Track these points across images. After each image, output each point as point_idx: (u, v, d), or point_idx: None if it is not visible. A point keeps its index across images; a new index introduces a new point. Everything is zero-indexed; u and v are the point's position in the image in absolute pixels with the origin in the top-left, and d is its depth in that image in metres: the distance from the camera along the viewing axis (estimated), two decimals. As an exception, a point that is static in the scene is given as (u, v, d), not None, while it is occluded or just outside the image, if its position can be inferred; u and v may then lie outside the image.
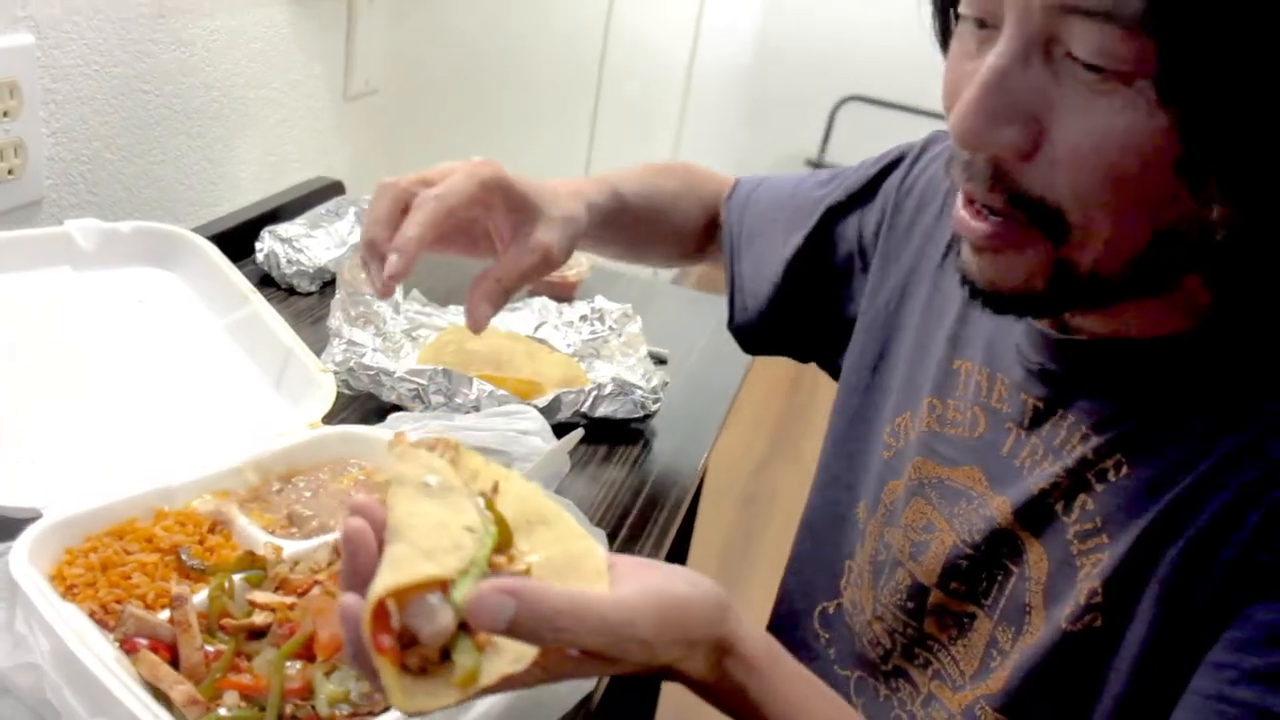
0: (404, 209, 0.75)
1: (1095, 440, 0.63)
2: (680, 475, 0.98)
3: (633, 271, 1.37)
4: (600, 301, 1.14)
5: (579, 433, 0.87)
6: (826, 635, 0.84)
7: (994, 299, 0.60)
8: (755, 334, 0.98)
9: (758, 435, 3.18)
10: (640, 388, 1.00)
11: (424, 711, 0.48)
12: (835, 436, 0.86)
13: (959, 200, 0.60)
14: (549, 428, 0.90)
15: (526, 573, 0.52)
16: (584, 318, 1.13)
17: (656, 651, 0.53)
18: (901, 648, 0.76)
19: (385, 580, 0.47)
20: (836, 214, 0.90)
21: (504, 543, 0.54)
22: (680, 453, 1.01)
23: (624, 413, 0.99)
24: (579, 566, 0.54)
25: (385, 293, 0.74)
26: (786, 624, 0.87)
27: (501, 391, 0.95)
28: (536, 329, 1.12)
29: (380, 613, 0.48)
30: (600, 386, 0.98)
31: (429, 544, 0.50)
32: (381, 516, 0.51)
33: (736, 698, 0.58)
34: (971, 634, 0.71)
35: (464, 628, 0.49)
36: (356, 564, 0.50)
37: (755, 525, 2.76)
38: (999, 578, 0.69)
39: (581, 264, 1.26)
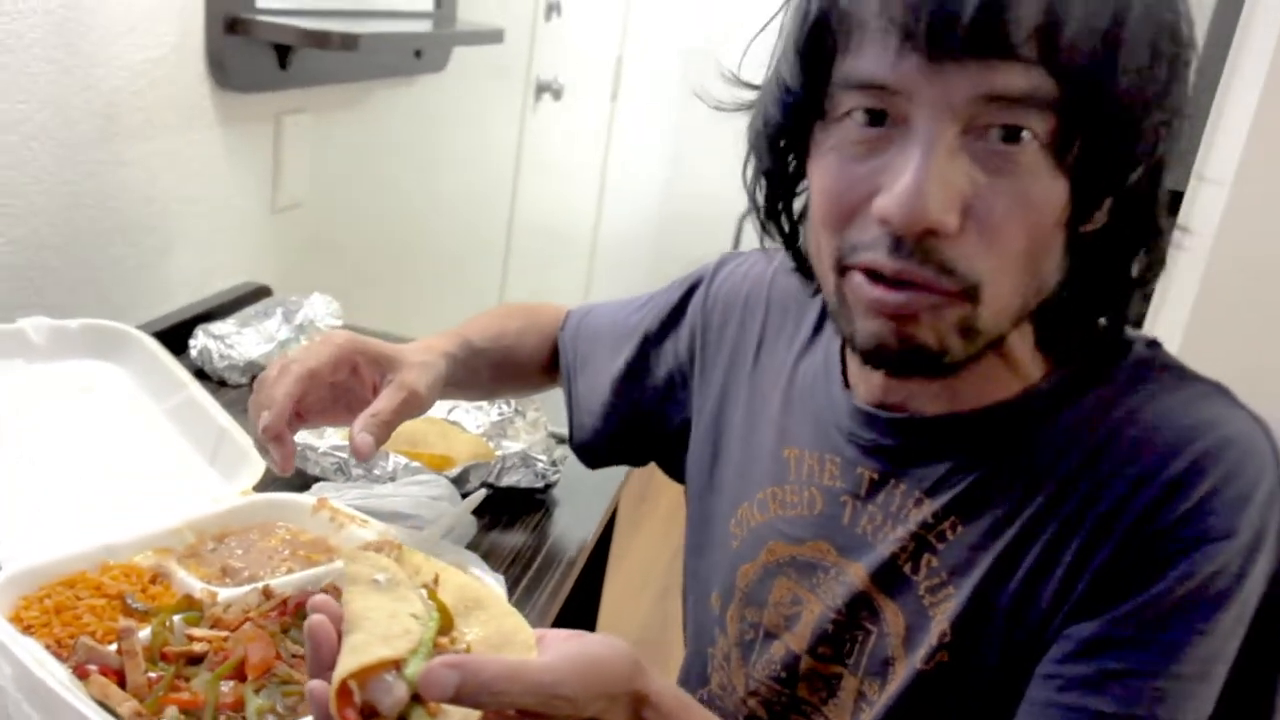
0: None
1: (930, 505, 0.71)
2: (575, 539, 1.09)
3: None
4: (506, 387, 1.26)
5: (482, 492, 0.98)
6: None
7: (903, 360, 0.64)
8: (594, 450, 1.05)
9: (673, 527, 3.28)
10: (541, 460, 1.12)
11: None
12: (690, 534, 0.93)
13: (858, 279, 0.63)
14: (458, 494, 1.02)
15: (467, 650, 0.62)
16: (492, 402, 1.25)
17: (581, 706, 0.60)
18: (776, 717, 0.82)
19: (347, 663, 0.57)
20: (652, 338, 0.97)
21: (446, 626, 0.63)
22: (576, 520, 1.13)
23: (526, 482, 1.11)
24: (511, 640, 0.64)
25: (285, 468, 0.84)
26: None
27: (416, 464, 1.07)
28: (449, 412, 1.24)
29: (344, 692, 0.57)
30: (505, 459, 1.10)
31: (382, 631, 0.59)
32: (338, 612, 0.60)
33: None
34: (841, 693, 0.77)
35: (416, 699, 0.59)
36: (320, 654, 0.58)
37: (671, 615, 2.85)
38: (859, 638, 0.75)
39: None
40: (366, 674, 0.57)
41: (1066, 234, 0.62)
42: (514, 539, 1.06)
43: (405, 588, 0.64)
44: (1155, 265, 0.67)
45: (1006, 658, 0.68)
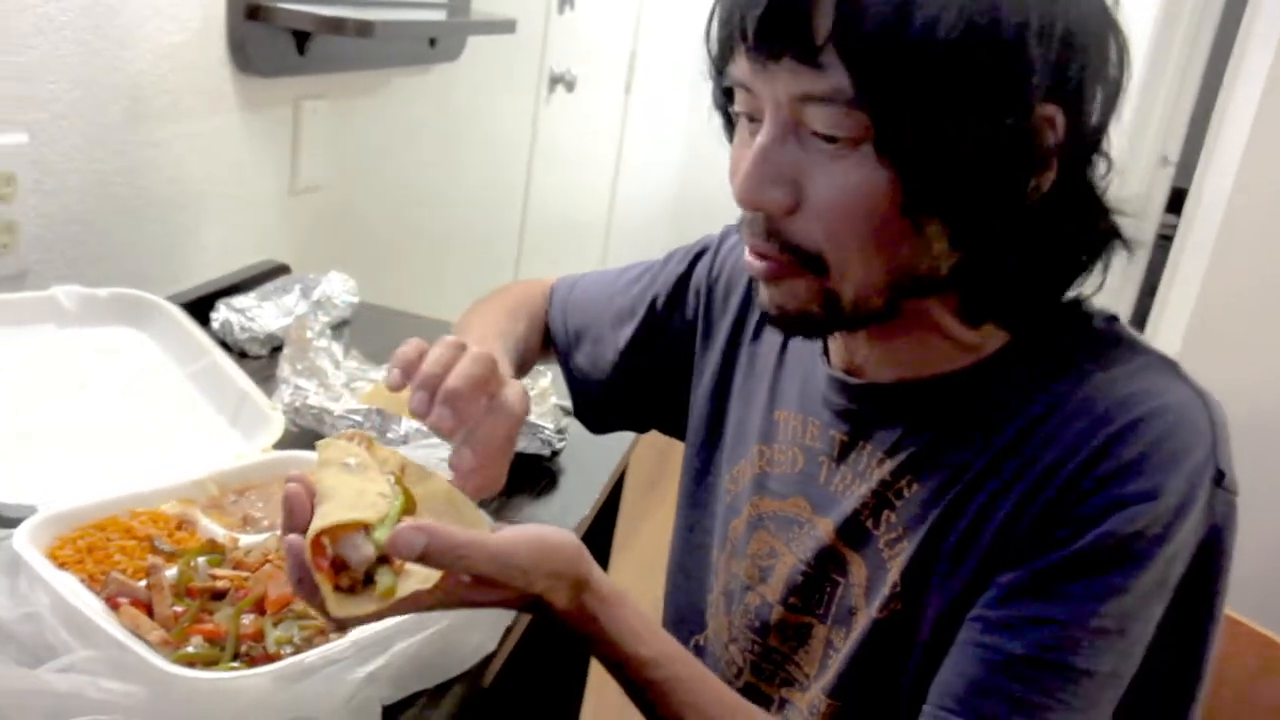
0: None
1: (889, 464, 0.77)
2: (579, 504, 1.14)
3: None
4: (514, 359, 1.31)
5: (487, 452, 1.03)
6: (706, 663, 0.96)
7: (784, 321, 0.74)
8: (598, 417, 1.09)
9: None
10: (548, 428, 1.17)
11: (352, 616, 0.65)
12: (686, 489, 0.98)
13: (748, 250, 0.73)
14: (465, 456, 1.06)
15: None
16: (500, 373, 1.30)
17: (531, 580, 0.68)
18: (751, 665, 0.87)
19: (321, 522, 0.64)
20: (660, 307, 1.02)
21: (409, 508, 0.69)
22: (581, 486, 1.17)
23: (533, 449, 1.16)
24: (471, 525, 0.70)
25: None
26: None
27: (427, 428, 1.11)
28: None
29: (318, 547, 0.64)
30: (511, 425, 1.15)
31: (351, 503, 0.66)
32: (313, 485, 0.67)
33: (590, 625, 0.73)
34: (811, 641, 0.82)
35: (383, 561, 0.66)
36: (294, 517, 0.65)
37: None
38: (828, 589, 0.81)
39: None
40: (338, 533, 0.64)
41: (915, 219, 0.66)
42: (520, 502, 1.11)
43: (374, 471, 0.71)
44: (1094, 244, 0.72)
45: (948, 605, 0.73)
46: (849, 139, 0.65)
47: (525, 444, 1.16)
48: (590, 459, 1.21)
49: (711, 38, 0.72)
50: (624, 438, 1.29)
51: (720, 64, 0.72)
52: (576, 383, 1.08)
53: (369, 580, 0.66)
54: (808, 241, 0.68)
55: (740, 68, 0.68)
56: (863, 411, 0.79)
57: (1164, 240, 3.71)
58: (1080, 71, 0.65)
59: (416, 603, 0.66)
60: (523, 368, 1.03)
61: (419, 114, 2.01)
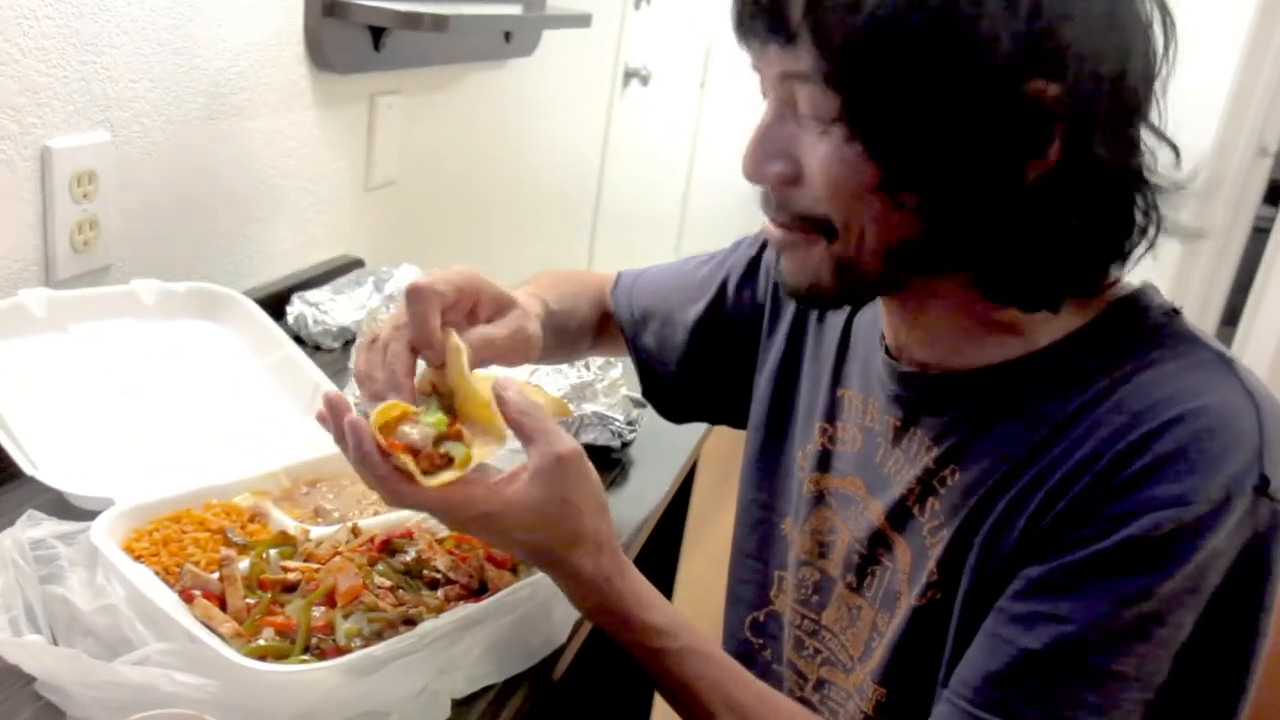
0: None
1: (936, 451, 0.76)
2: (649, 496, 1.12)
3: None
4: (586, 352, 1.29)
5: (558, 445, 1.02)
6: (759, 641, 0.95)
7: (799, 293, 0.75)
8: (668, 400, 1.09)
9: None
10: (618, 420, 1.16)
11: (443, 484, 0.70)
12: (749, 467, 0.98)
13: (768, 224, 0.75)
14: (536, 449, 1.05)
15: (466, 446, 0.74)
16: (572, 365, 1.29)
17: (569, 516, 0.73)
18: (794, 640, 0.88)
19: (377, 414, 0.70)
20: (731, 288, 1.03)
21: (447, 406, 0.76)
22: (651, 479, 1.16)
23: (603, 440, 1.15)
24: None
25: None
26: (729, 629, 0.99)
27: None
28: (531, 375, 1.28)
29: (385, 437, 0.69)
30: (582, 418, 1.14)
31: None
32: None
33: (605, 586, 0.75)
34: (859, 623, 0.83)
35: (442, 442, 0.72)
36: (339, 416, 0.71)
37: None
38: (876, 571, 0.81)
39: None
40: (391, 426, 0.70)
41: (892, 193, 0.66)
42: (591, 495, 1.10)
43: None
44: (1122, 226, 0.69)
45: (979, 595, 0.72)
46: (828, 118, 0.66)
47: (595, 435, 1.15)
48: (661, 451, 1.20)
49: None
50: (695, 430, 1.28)
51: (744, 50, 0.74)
52: (644, 364, 1.08)
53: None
54: (812, 209, 0.70)
55: (750, 49, 0.71)
56: (914, 398, 0.79)
57: (1260, 233, 3.56)
58: (1083, 44, 0.62)
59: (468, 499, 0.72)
60: (563, 331, 1.02)
61: (493, 109, 2.01)
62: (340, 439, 0.71)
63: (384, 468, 0.70)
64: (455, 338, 0.78)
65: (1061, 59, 0.62)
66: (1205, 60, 2.97)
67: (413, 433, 0.69)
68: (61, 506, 0.88)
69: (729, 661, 0.79)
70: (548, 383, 1.27)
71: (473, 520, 0.72)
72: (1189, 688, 0.66)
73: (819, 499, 0.88)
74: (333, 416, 0.72)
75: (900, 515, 0.79)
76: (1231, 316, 3.57)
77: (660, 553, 1.45)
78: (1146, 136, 0.68)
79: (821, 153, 0.68)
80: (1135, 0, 0.65)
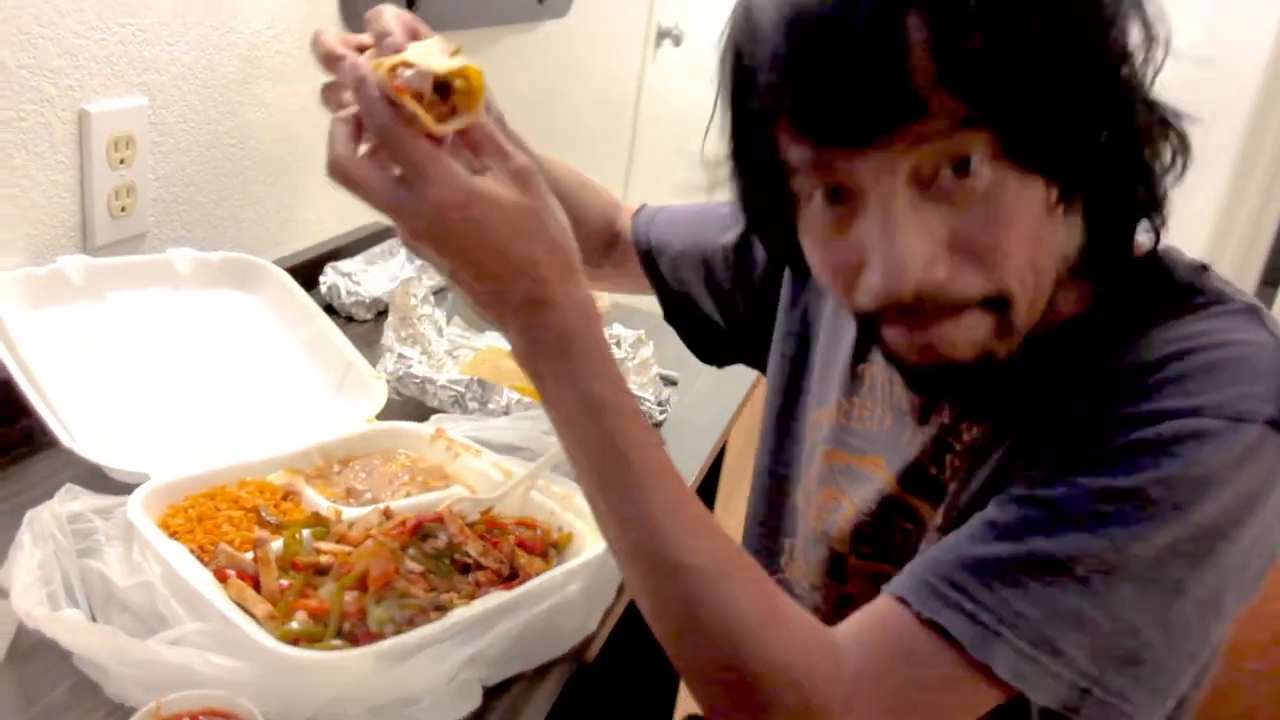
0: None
1: (949, 411, 0.74)
2: (685, 472, 1.12)
3: (647, 304, 1.53)
4: (617, 329, 1.28)
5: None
6: None
7: (945, 381, 0.67)
8: (697, 331, 1.04)
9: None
10: (649, 399, 1.15)
11: (454, 128, 0.64)
12: (767, 431, 0.94)
13: (885, 331, 0.66)
14: (567, 429, 1.05)
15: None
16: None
17: (545, 243, 0.64)
18: (834, 609, 0.84)
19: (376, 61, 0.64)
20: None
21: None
22: (682, 459, 1.16)
23: (635, 420, 1.14)
24: None
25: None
26: None
27: (529, 399, 1.11)
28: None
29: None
30: (614, 398, 1.13)
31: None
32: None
33: (595, 325, 0.65)
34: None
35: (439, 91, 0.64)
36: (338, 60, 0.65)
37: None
38: (899, 537, 0.77)
39: (602, 298, 1.42)
40: (390, 77, 0.62)
41: (1064, 209, 0.62)
42: (621, 476, 1.10)
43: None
44: (1159, 199, 0.66)
45: None
46: (984, 168, 0.59)
47: (628, 417, 1.14)
48: (692, 432, 1.20)
49: (745, 120, 0.65)
50: (726, 410, 1.27)
51: (763, 146, 0.64)
52: (665, 287, 1.03)
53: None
54: (980, 291, 0.61)
55: (806, 151, 0.61)
56: (935, 376, 0.73)
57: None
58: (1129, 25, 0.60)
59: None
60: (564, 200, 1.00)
61: (527, 71, 1.99)
62: (337, 90, 0.65)
63: (389, 114, 0.62)
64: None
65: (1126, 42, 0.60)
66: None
67: (413, 76, 0.63)
68: (98, 476, 0.89)
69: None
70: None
71: (446, 207, 0.62)
72: None
73: (828, 476, 0.85)
74: (331, 63, 0.65)
75: (916, 477, 0.76)
76: (1273, 276, 3.50)
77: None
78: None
79: (988, 209, 0.59)
80: None
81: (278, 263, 1.28)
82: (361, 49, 0.72)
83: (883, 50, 0.55)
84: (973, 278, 0.61)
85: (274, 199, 1.37)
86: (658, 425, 1.17)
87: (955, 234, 0.60)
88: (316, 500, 0.89)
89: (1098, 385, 0.64)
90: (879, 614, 0.64)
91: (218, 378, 1.01)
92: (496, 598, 0.78)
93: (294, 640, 0.72)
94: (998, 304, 0.62)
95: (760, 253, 0.96)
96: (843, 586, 0.84)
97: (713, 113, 0.71)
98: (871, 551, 0.81)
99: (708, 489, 1.47)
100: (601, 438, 0.64)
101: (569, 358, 0.64)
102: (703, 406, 1.26)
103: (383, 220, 1.57)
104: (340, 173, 0.64)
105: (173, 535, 0.80)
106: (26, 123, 0.99)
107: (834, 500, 0.85)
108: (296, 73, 1.34)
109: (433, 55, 0.66)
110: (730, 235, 0.98)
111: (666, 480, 0.65)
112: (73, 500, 0.82)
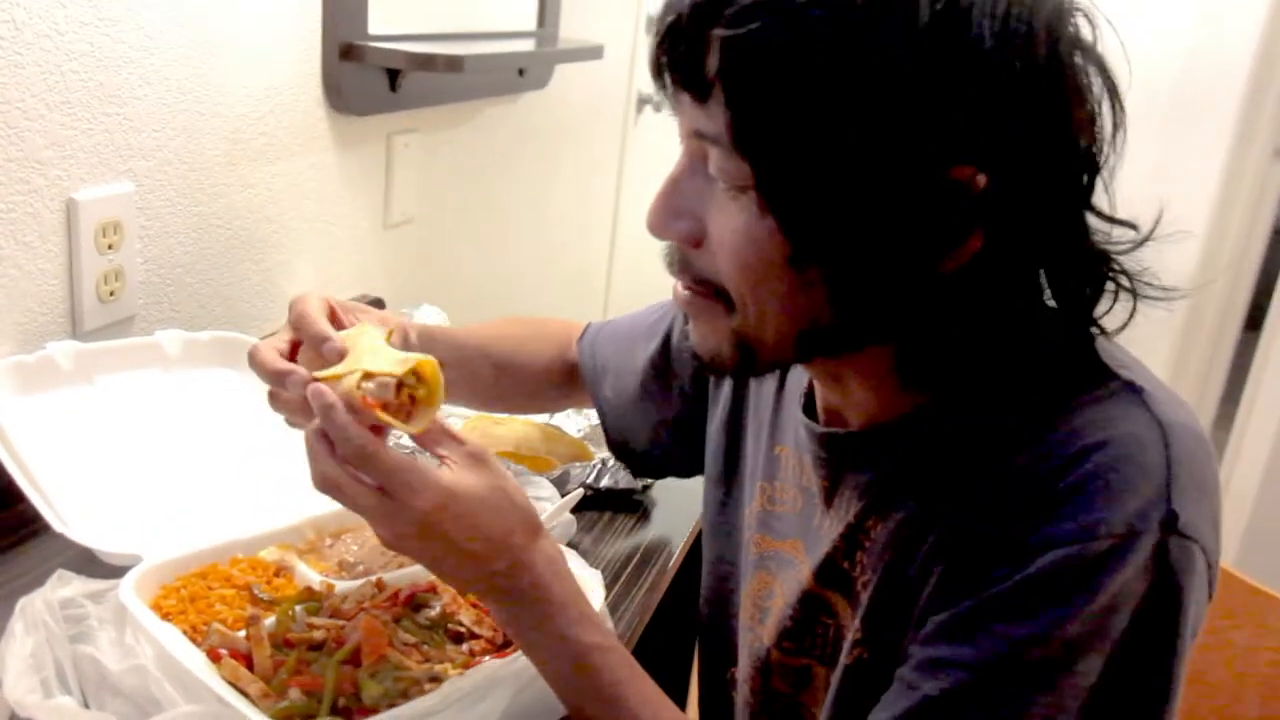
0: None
1: (857, 505, 0.73)
2: (671, 538, 1.12)
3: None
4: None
5: (579, 492, 1.02)
6: (735, 697, 0.91)
7: (701, 363, 0.71)
8: (630, 452, 1.08)
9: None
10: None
11: (426, 428, 0.72)
12: (708, 523, 0.95)
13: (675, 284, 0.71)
14: (558, 494, 1.06)
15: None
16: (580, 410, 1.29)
17: (517, 514, 0.72)
18: (761, 704, 0.84)
19: (336, 371, 0.72)
20: (675, 330, 0.99)
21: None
22: (672, 521, 1.16)
23: (624, 484, 1.15)
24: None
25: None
26: (707, 685, 0.96)
27: (519, 466, 1.12)
28: (551, 416, 1.28)
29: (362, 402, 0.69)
30: (604, 461, 1.14)
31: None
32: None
33: (567, 581, 0.74)
34: (814, 682, 0.78)
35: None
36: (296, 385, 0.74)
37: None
38: (820, 631, 0.77)
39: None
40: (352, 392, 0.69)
41: (803, 271, 0.62)
42: (612, 538, 1.10)
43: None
44: (1081, 305, 0.66)
45: (901, 649, 0.68)
46: (738, 184, 0.62)
47: (617, 478, 1.15)
48: (682, 494, 1.20)
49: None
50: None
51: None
52: (608, 415, 1.07)
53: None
54: (714, 276, 0.66)
55: (665, 96, 0.67)
56: (834, 458, 0.76)
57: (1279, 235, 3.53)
58: (1017, 134, 0.58)
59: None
60: (509, 368, 1.07)
61: (509, 142, 2.02)
62: (297, 412, 0.71)
63: (360, 433, 0.68)
64: (360, 323, 0.79)
65: (993, 149, 0.58)
66: (1218, 62, 2.90)
67: (375, 388, 0.66)
68: (89, 560, 0.89)
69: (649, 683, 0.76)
70: (568, 424, 1.28)
71: (431, 510, 0.68)
72: None
73: (759, 562, 0.85)
74: (287, 388, 0.73)
75: (830, 573, 0.75)
76: (1254, 320, 3.54)
77: (683, 595, 1.46)
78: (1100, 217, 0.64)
79: (728, 219, 0.63)
80: (1082, 89, 0.60)
81: (265, 339, 1.30)
82: (294, 345, 0.81)
83: (698, 30, 0.60)
84: (703, 258, 0.66)
85: (260, 276, 1.38)
86: (647, 489, 1.18)
87: (703, 216, 0.65)
88: (309, 575, 0.89)
89: (996, 500, 0.63)
90: None
91: (209, 456, 1.02)
92: (491, 667, 0.78)
93: (287, 718, 0.72)
94: (724, 298, 0.66)
95: (685, 361, 0.98)
96: (769, 681, 0.83)
97: None
98: (793, 647, 0.80)
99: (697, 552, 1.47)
100: (587, 680, 0.73)
101: (548, 608, 0.73)
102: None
103: (369, 292, 1.60)
104: (331, 488, 0.70)
105: (165, 616, 0.80)
106: (15, 214, 1.01)
107: (766, 587, 0.84)
108: (281, 153, 1.36)
109: (380, 353, 0.72)
110: (655, 343, 1.01)
111: (650, 707, 0.73)
112: (64, 586, 0.82)
